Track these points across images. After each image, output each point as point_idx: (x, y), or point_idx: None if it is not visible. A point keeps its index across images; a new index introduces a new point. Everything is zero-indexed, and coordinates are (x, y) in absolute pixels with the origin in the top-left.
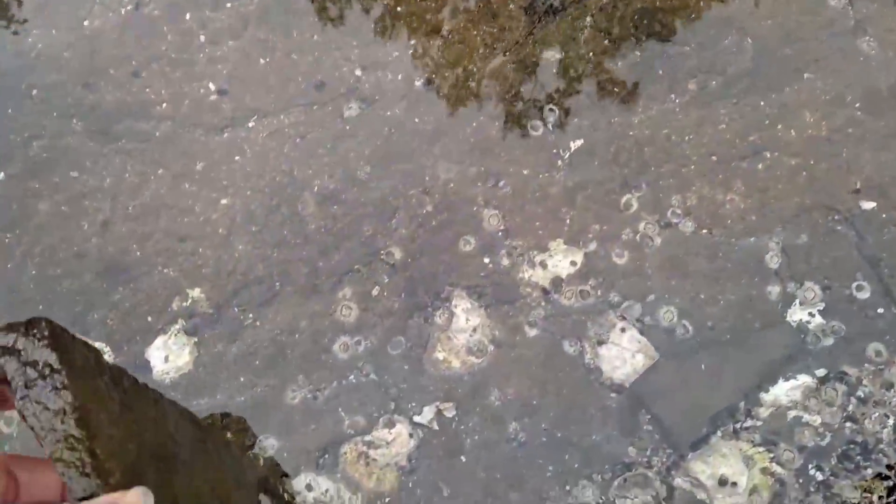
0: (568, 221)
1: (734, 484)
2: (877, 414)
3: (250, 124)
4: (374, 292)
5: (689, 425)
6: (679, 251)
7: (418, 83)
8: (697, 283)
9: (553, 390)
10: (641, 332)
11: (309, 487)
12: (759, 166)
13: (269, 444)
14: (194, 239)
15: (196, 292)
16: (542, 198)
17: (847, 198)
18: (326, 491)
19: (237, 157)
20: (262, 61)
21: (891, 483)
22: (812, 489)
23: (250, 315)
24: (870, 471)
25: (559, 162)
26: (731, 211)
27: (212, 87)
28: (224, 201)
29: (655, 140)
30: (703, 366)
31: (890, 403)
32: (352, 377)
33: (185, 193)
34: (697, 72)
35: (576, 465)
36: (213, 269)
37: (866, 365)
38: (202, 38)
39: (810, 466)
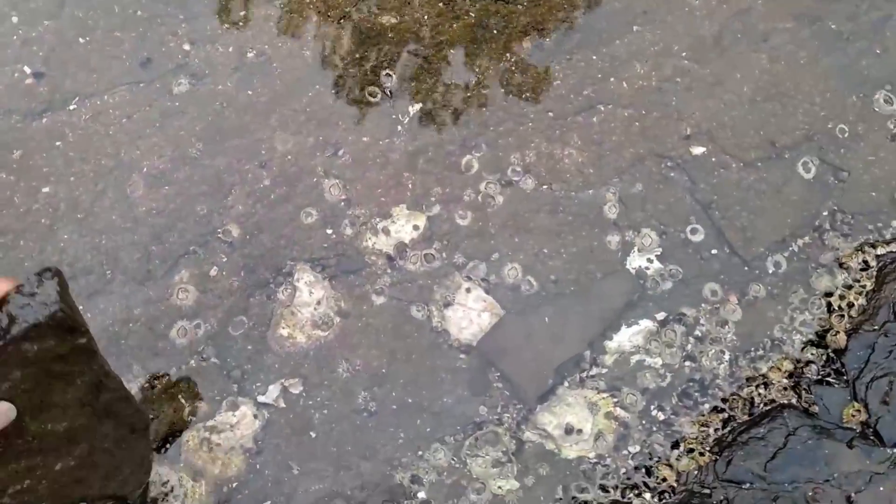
0: (410, 186)
1: (579, 431)
2: (713, 351)
3: (71, 107)
4: (213, 273)
5: (536, 379)
6: (521, 208)
7: (250, 55)
8: (540, 239)
9: (402, 357)
10: (487, 291)
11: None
12: (594, 120)
13: None
14: (14, 232)
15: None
16: (382, 164)
17: (678, 145)
18: (167, 482)
19: (58, 143)
20: (81, 41)
21: (725, 415)
22: (654, 429)
23: (80, 307)
24: (707, 406)
25: (398, 127)
26: (570, 165)
27: (27, 70)
28: (45, 190)
29: (493, 99)
30: (547, 319)
31: (725, 340)
32: (192, 362)
33: (2, 184)
34: (530, 29)
35: (428, 430)
36: (35, 263)
37: (703, 305)
38: (14, 19)
39: (652, 407)
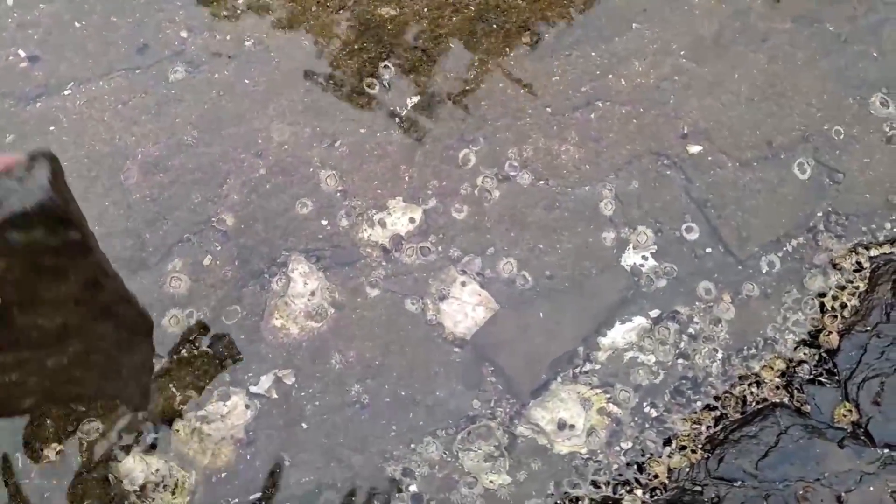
0: (407, 179)
1: (572, 426)
2: (706, 349)
3: (66, 92)
4: (206, 262)
5: (530, 374)
6: (517, 203)
7: (248, 43)
8: (535, 234)
9: (396, 350)
10: (482, 286)
11: (138, 468)
12: (592, 116)
13: (92, 428)
14: None
15: None
16: (379, 156)
17: (675, 143)
18: (157, 471)
19: (52, 128)
20: (77, 25)
21: (718, 413)
22: (647, 426)
23: None
24: (699, 403)
25: (396, 119)
26: (567, 161)
27: (21, 53)
28: None
29: (491, 94)
30: (541, 314)
31: (718, 338)
32: (184, 351)
33: None
34: (530, 24)
35: (420, 423)
36: None
37: (697, 303)
38: (10, 1)
39: (645, 404)
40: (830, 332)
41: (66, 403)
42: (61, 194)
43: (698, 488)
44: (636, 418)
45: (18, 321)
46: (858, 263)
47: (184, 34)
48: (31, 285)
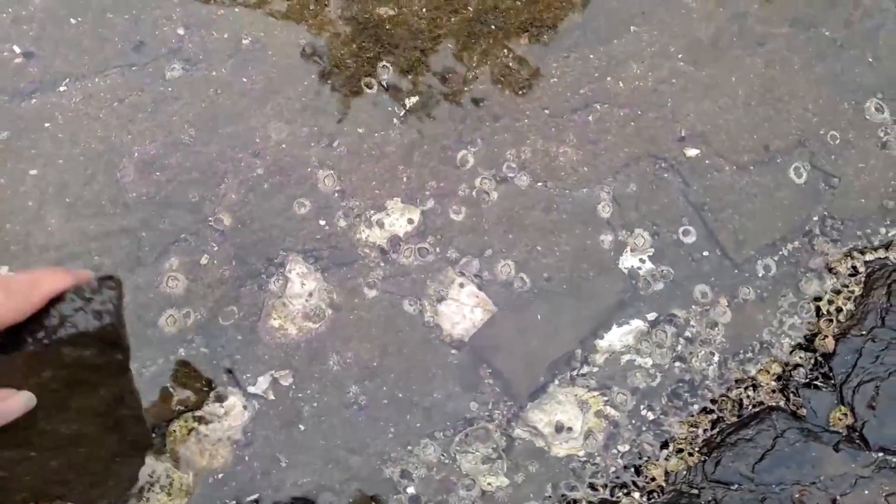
0: (405, 179)
1: (570, 429)
2: (703, 352)
3: (61, 88)
4: (203, 261)
5: (527, 376)
6: (515, 205)
7: (246, 42)
8: (533, 236)
9: (394, 351)
10: (480, 287)
11: None
12: (590, 118)
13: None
14: (0, 214)
15: (4, 271)
16: (378, 157)
17: (673, 146)
18: (153, 472)
19: (47, 125)
20: (73, 21)
21: (714, 416)
22: (644, 428)
23: None
24: (696, 406)
25: (394, 120)
26: (565, 163)
27: (16, 49)
28: (33, 172)
29: (489, 95)
30: (539, 316)
31: (715, 341)
32: (181, 351)
33: None
34: (529, 25)
35: (418, 425)
36: (22, 246)
37: (693, 306)
38: None
39: (642, 407)
40: (826, 336)
41: (52, 501)
42: (120, 317)
43: (695, 491)
44: (633, 421)
45: (41, 425)
46: (854, 268)
47: (181, 31)
48: (66, 395)
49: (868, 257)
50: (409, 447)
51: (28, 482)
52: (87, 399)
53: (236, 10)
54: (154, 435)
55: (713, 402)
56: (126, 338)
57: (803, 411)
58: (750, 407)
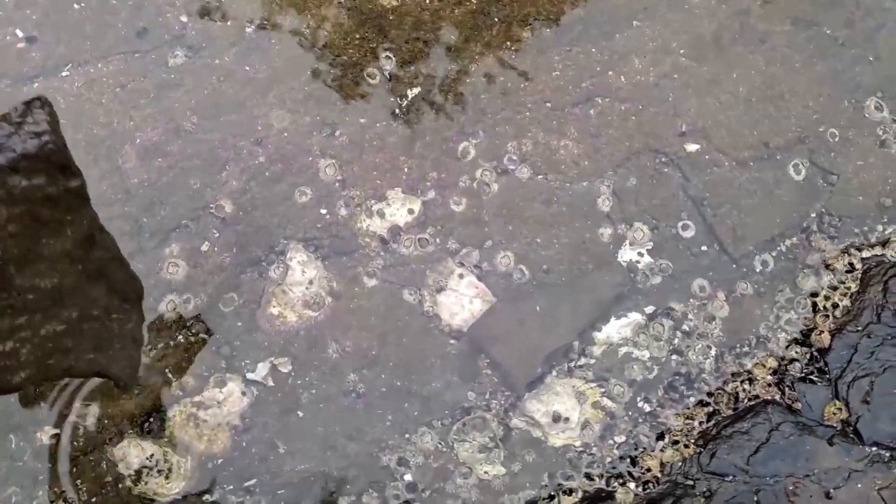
0: (406, 170)
1: (566, 419)
2: (700, 346)
3: (64, 73)
4: (204, 248)
5: (525, 367)
6: (515, 197)
7: (249, 30)
8: (533, 228)
9: (393, 340)
10: (479, 278)
11: (132, 453)
12: (591, 112)
13: (90, 412)
14: None
15: None
16: (379, 147)
17: (673, 141)
18: (152, 456)
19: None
20: (76, 7)
21: (710, 409)
22: (640, 420)
23: None
24: (692, 399)
25: (396, 110)
26: (565, 156)
27: (19, 34)
28: None
29: (491, 87)
30: (538, 308)
31: (712, 335)
32: (181, 337)
33: None
34: (532, 19)
35: (416, 413)
36: None
37: (691, 300)
38: None
39: (639, 399)
40: (822, 332)
41: (58, 378)
42: (61, 139)
43: (690, 482)
44: (630, 412)
45: (16, 281)
46: (850, 264)
47: (184, 18)
48: (30, 239)
49: (865, 254)
50: (407, 435)
51: (27, 356)
52: (56, 242)
53: None
54: (154, 419)
55: (709, 394)
56: (74, 162)
57: (798, 405)
58: (746, 400)
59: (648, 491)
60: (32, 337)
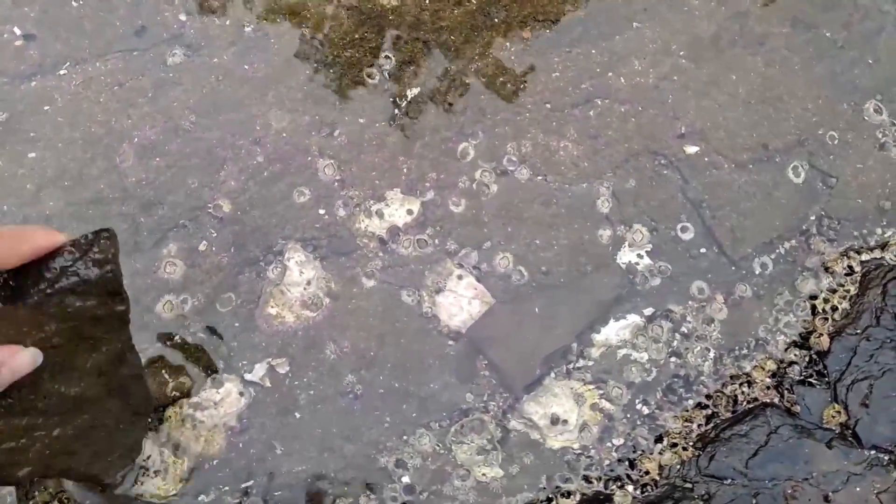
0: (405, 170)
1: (565, 422)
2: (698, 348)
3: (62, 72)
4: (202, 247)
5: (524, 368)
6: (515, 198)
7: (248, 29)
8: (532, 229)
9: (391, 341)
10: (478, 279)
11: None
12: (591, 113)
13: None
14: None
15: None
16: (378, 147)
17: (672, 143)
18: (149, 457)
19: (46, 108)
20: (74, 4)
21: (709, 412)
22: (638, 422)
23: None
24: (691, 402)
25: (396, 111)
26: (565, 157)
27: (17, 31)
28: (32, 155)
29: (491, 88)
30: (537, 309)
31: (710, 337)
32: (177, 337)
33: None
34: (531, 19)
35: (414, 415)
36: None
37: (690, 302)
38: None
39: (637, 401)
40: (821, 335)
41: (54, 476)
42: (118, 269)
43: (689, 485)
44: (628, 415)
45: (46, 385)
46: (850, 267)
47: (182, 17)
48: (69, 352)
49: (864, 257)
50: (405, 437)
51: (34, 454)
52: (91, 357)
53: None
54: (148, 420)
55: (708, 397)
56: (124, 289)
57: (797, 408)
58: (744, 403)
59: (647, 494)
60: (45, 437)
